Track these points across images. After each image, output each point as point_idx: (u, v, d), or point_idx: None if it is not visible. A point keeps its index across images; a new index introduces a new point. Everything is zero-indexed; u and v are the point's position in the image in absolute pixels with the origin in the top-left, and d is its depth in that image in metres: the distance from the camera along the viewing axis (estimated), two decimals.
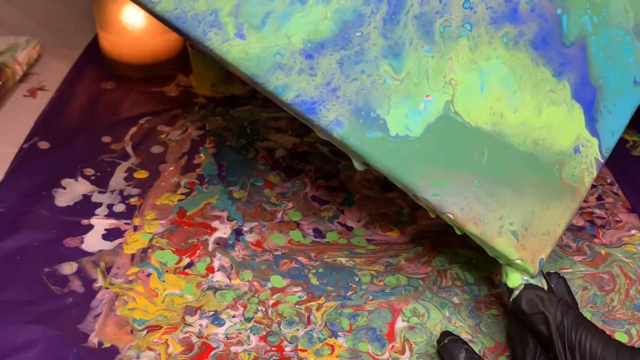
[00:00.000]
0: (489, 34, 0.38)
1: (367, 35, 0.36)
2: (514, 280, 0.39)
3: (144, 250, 0.49)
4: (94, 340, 0.43)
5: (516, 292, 0.39)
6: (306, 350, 0.43)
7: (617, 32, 0.41)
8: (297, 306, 0.45)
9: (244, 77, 0.37)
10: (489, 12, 0.38)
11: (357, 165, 0.39)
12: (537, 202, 0.39)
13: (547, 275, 0.41)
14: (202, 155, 0.58)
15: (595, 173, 0.41)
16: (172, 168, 0.57)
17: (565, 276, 0.48)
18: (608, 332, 0.44)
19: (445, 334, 0.41)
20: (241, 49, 0.35)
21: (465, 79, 0.38)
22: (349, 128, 0.36)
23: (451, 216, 0.38)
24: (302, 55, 0.35)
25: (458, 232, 0.40)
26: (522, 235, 0.39)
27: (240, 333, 0.44)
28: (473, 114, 0.38)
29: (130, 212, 0.52)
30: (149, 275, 0.47)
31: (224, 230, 0.51)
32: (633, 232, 0.52)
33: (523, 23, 0.39)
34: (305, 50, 0.36)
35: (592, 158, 0.41)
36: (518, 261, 0.39)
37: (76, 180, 0.55)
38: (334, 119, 0.36)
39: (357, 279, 0.47)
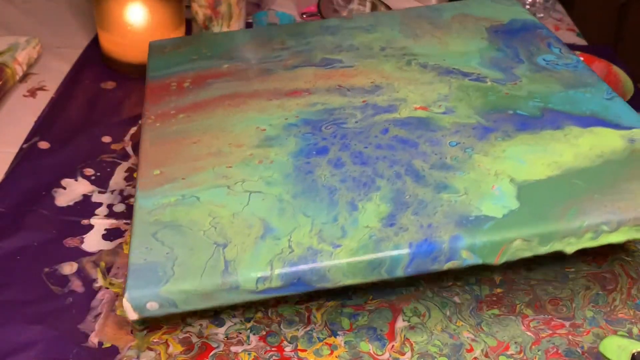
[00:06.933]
0: (487, 143, 0.47)
1: (414, 194, 0.43)
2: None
3: None
4: (94, 340, 0.43)
5: None
6: (306, 350, 0.43)
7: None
8: (297, 306, 0.45)
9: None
10: (474, 132, 0.48)
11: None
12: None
13: None
14: None
15: None
16: None
17: (569, 275, 0.48)
18: (610, 332, 0.44)
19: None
20: (346, 251, 0.40)
21: (504, 166, 0.45)
22: (467, 235, 0.40)
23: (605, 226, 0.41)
24: (387, 225, 0.41)
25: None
26: None
27: (240, 333, 0.43)
28: (537, 173, 0.44)
29: (130, 212, 0.52)
30: None
31: None
32: None
33: (494, 130, 0.48)
34: (385, 222, 0.41)
35: None
36: None
37: (76, 180, 0.55)
38: (450, 237, 0.40)
39: None
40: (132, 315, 0.39)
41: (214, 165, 0.46)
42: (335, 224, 0.41)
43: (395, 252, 0.40)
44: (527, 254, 0.41)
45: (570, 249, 0.41)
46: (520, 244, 0.40)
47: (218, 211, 0.43)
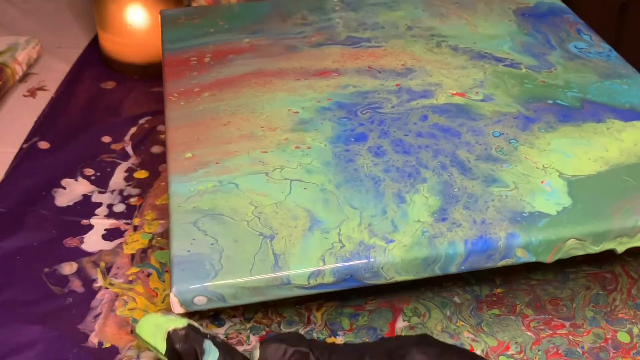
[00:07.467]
0: (531, 135, 0.46)
1: (463, 187, 0.42)
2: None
3: (144, 250, 0.49)
4: (94, 340, 0.43)
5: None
6: None
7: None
8: (297, 306, 0.45)
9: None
10: (516, 121, 0.47)
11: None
12: None
13: None
14: None
15: None
16: None
17: (569, 275, 0.48)
18: (611, 332, 0.44)
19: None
20: (400, 247, 0.39)
21: (551, 159, 0.44)
22: (523, 233, 0.39)
23: None
24: (439, 220, 0.40)
25: None
26: None
27: (240, 333, 0.43)
28: (585, 168, 0.44)
29: (130, 212, 0.52)
30: (149, 275, 0.47)
31: None
32: None
33: (536, 120, 0.48)
34: (436, 216, 0.40)
35: None
36: None
37: (76, 180, 0.55)
38: (506, 235, 0.39)
39: None
40: (178, 310, 0.37)
41: (248, 149, 0.45)
42: (385, 217, 0.40)
43: (450, 250, 0.39)
44: (580, 252, 0.40)
45: (621, 248, 0.41)
46: (574, 243, 0.40)
47: (260, 200, 0.41)
